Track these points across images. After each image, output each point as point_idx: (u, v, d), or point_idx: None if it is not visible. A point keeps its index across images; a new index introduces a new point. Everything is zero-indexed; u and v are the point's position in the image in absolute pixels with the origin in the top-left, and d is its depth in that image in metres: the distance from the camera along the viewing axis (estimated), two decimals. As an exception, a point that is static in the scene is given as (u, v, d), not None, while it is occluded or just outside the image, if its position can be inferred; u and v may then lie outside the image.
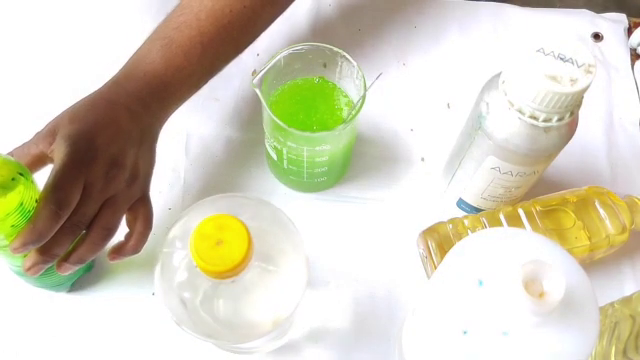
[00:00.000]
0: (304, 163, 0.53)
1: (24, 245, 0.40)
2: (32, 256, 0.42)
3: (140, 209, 0.47)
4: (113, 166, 0.44)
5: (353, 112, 0.49)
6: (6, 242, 0.42)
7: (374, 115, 0.62)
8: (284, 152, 0.52)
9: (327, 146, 0.51)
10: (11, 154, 0.44)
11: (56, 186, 0.41)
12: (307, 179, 0.56)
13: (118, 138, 0.45)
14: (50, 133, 0.45)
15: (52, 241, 0.41)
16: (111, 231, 0.45)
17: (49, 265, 0.43)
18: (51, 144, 0.44)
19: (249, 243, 0.35)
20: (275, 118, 0.48)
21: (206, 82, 0.52)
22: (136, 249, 0.47)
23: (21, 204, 0.40)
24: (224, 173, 0.59)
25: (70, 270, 0.44)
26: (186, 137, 0.61)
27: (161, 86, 0.48)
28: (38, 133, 0.45)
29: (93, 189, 0.43)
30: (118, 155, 0.44)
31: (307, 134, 0.49)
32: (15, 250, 0.40)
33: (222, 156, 0.58)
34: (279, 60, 0.50)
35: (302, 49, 0.51)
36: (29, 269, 0.42)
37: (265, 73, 0.49)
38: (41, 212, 0.40)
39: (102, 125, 0.44)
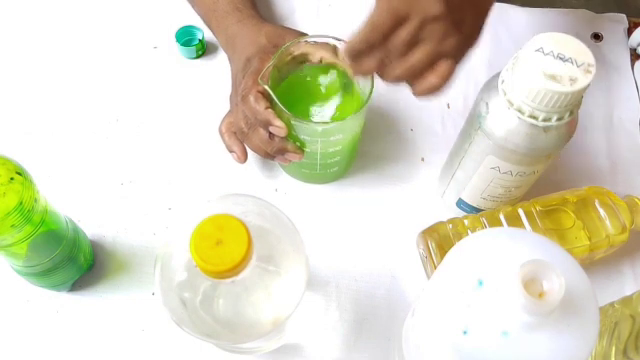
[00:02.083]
0: (318, 155, 0.53)
1: (357, 46, 0.43)
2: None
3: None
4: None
5: (365, 98, 0.50)
6: (7, 242, 0.42)
7: (374, 115, 0.62)
8: (297, 146, 0.52)
9: (340, 135, 0.51)
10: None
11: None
12: (320, 170, 0.56)
13: None
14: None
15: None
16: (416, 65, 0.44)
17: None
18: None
19: (249, 243, 0.35)
20: (290, 114, 0.48)
21: None
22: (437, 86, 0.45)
23: (20, 204, 0.40)
24: (224, 173, 0.59)
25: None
26: (186, 136, 0.61)
27: None
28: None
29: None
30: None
31: (322, 126, 0.50)
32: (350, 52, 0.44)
33: (222, 156, 0.58)
34: (284, 53, 0.51)
35: (305, 41, 0.51)
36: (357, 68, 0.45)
37: (271, 69, 0.49)
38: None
39: None
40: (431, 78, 0.44)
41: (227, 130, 0.56)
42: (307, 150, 0.53)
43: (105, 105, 0.63)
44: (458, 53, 0.44)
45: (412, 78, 0.44)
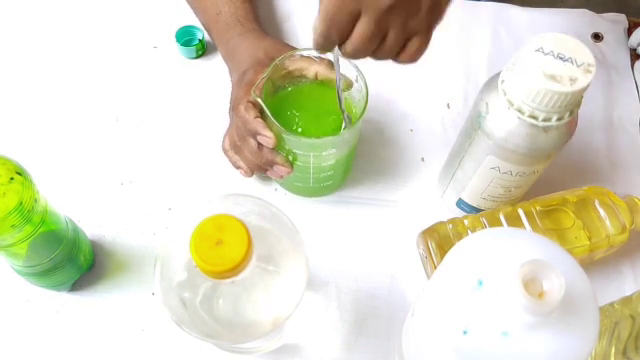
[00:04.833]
0: (310, 169, 0.53)
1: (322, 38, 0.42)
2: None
3: None
4: None
5: (358, 115, 0.49)
6: (7, 242, 0.42)
7: (374, 116, 0.62)
8: (289, 159, 0.52)
9: (333, 150, 0.51)
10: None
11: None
12: (313, 184, 0.56)
13: None
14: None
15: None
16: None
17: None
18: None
19: (249, 243, 0.35)
20: (280, 127, 0.48)
21: None
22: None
23: (20, 204, 0.40)
24: (224, 173, 0.59)
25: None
26: (187, 136, 0.61)
27: None
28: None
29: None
30: None
31: (313, 140, 0.49)
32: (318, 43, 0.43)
33: (222, 156, 0.58)
34: (278, 67, 0.50)
35: (300, 55, 0.51)
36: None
37: (264, 81, 0.49)
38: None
39: None
40: (402, 58, 0.45)
41: (231, 147, 0.56)
42: (299, 164, 0.52)
43: (105, 105, 0.63)
44: (424, 29, 0.45)
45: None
